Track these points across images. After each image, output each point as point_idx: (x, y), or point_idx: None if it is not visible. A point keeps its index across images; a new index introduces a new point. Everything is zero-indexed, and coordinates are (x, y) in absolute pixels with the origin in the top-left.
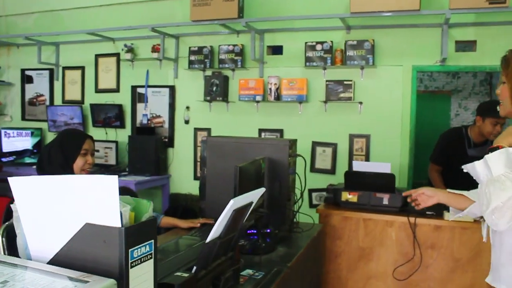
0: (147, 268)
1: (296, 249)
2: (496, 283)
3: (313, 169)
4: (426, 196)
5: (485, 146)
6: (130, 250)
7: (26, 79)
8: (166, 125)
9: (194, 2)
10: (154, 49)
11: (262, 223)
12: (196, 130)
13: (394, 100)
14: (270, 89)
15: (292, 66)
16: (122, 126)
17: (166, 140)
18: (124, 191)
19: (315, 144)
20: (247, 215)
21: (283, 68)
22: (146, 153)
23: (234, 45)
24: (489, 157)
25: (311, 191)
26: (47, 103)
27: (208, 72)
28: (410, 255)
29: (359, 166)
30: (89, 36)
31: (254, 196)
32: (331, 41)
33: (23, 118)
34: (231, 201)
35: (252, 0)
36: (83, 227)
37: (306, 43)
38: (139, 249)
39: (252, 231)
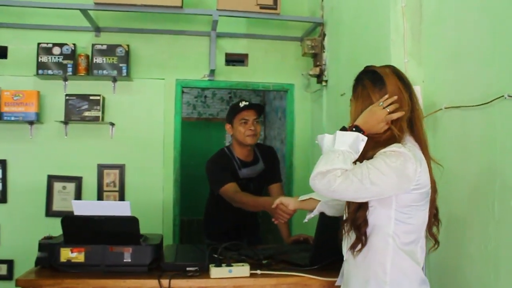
0: None
1: None
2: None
3: (49, 213)
4: (284, 206)
5: (257, 165)
6: None
7: None
8: None
9: None
10: None
11: None
12: None
13: (155, 121)
14: None
15: (20, 75)
16: None
17: None
18: None
19: (52, 179)
20: None
21: (8, 77)
22: None
23: None
24: (340, 133)
25: None
26: None
27: None
28: None
29: (84, 207)
30: None
31: None
32: (74, 44)
33: None
34: None
35: None
36: None
37: (39, 44)
38: None
39: None
